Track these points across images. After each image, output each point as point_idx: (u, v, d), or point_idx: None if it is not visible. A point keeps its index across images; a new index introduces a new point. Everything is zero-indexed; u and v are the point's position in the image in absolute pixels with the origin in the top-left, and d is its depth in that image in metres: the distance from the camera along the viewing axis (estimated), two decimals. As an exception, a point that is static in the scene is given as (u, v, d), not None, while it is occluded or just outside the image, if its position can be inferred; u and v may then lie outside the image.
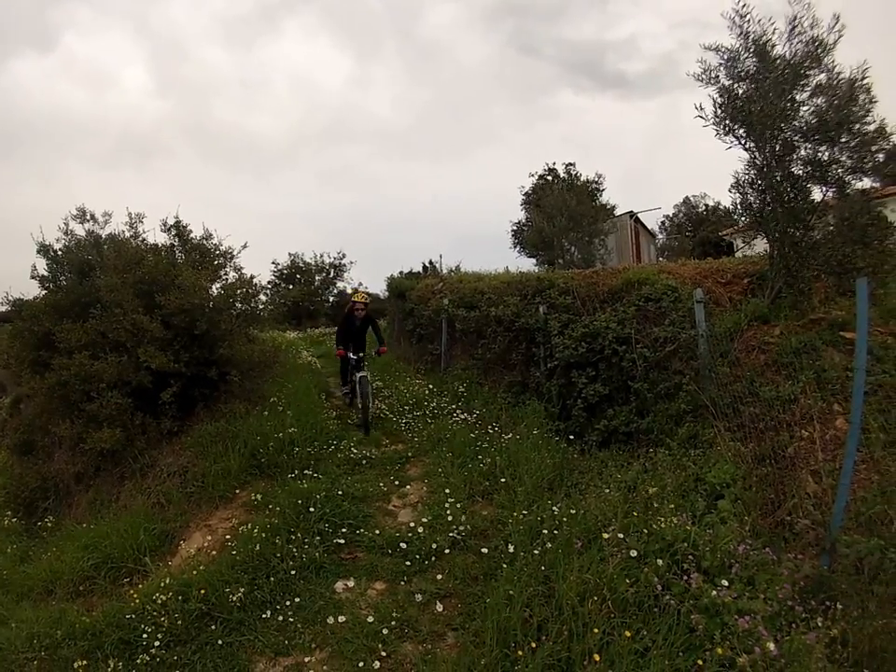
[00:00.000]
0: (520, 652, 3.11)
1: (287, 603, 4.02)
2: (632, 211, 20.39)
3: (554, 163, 25.01)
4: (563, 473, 5.34)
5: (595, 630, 3.11)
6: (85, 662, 3.63)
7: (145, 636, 3.78)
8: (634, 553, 3.66)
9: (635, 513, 4.15)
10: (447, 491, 5.16)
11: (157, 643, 3.71)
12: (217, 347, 6.77)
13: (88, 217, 8.13)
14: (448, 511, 4.78)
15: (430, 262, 24.13)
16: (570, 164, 24.77)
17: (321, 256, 26.06)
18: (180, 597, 4.04)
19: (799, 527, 3.92)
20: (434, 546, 4.41)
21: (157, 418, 6.57)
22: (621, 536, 3.85)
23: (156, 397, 6.50)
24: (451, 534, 4.52)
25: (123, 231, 8.17)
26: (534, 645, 3.15)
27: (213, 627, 3.88)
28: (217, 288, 7.52)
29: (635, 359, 6.16)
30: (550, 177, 24.45)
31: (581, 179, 23.65)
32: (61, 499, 7.09)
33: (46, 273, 7.91)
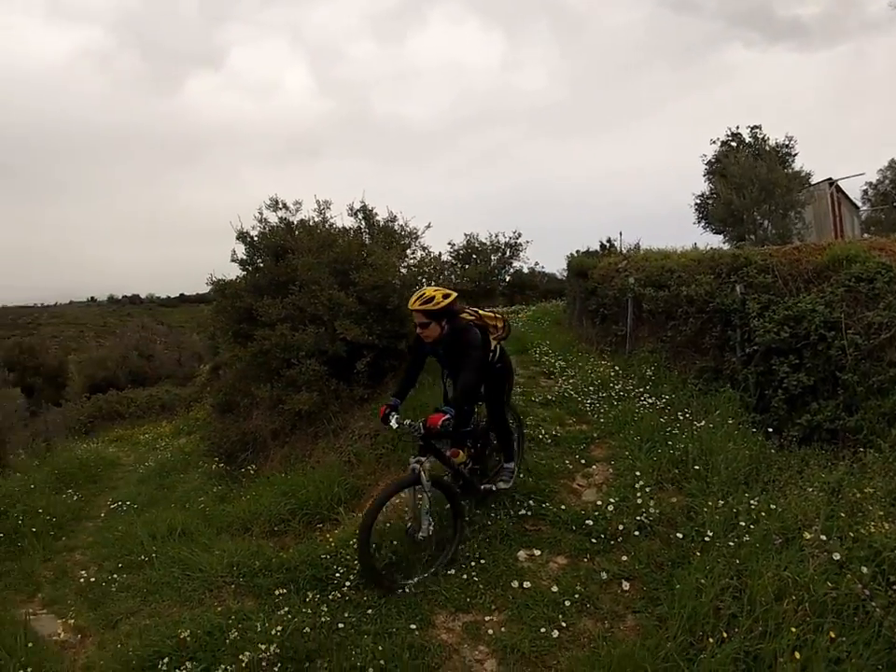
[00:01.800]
0: (710, 640, 3.14)
1: (472, 564, 4.31)
2: (831, 178, 18.50)
3: (738, 127, 22.96)
4: (759, 467, 5.14)
5: (793, 629, 3.08)
6: (284, 591, 4.18)
7: (337, 575, 4.27)
8: (836, 557, 3.53)
9: (842, 514, 3.98)
10: (637, 473, 5.17)
11: (347, 583, 4.17)
12: (407, 322, 7.36)
13: (280, 206, 9.20)
14: (638, 495, 4.81)
15: (608, 240, 23.76)
16: (756, 127, 22.62)
17: (496, 236, 26.37)
18: (373, 546, 4.41)
19: None
20: (620, 527, 4.48)
21: (349, 385, 7.38)
22: (823, 538, 3.71)
23: (350, 366, 7.29)
24: (638, 517, 4.56)
25: (312, 217, 9.19)
26: (725, 635, 3.17)
27: (400, 576, 4.26)
28: (404, 267, 8.12)
29: (844, 347, 5.77)
30: (734, 143, 22.53)
31: (770, 144, 21.73)
32: (258, 452, 8.06)
33: (244, 257, 9.14)
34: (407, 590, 4.13)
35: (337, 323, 7.23)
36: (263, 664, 3.36)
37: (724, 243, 17.35)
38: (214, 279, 9.05)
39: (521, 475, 5.38)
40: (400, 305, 7.42)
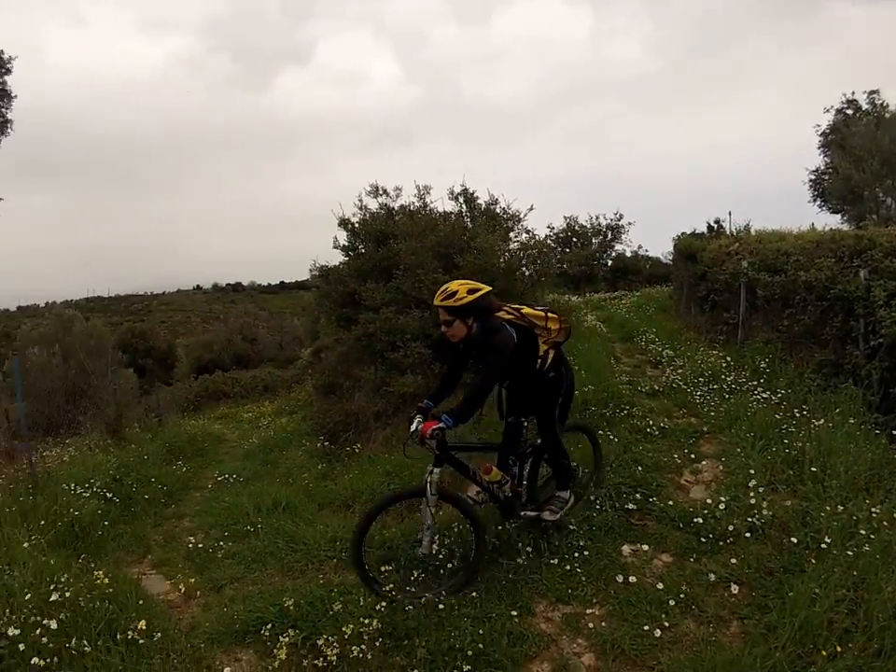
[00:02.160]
0: (822, 653, 3.03)
1: (576, 555, 4.28)
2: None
3: (853, 93, 21.04)
4: (882, 472, 4.85)
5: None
6: (389, 567, 4.25)
7: (440, 557, 4.29)
8: (968, 576, 3.32)
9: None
10: (751, 472, 4.99)
11: (449, 565, 4.20)
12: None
13: (380, 192, 9.51)
14: (750, 495, 4.63)
15: (716, 221, 22.77)
16: (873, 92, 20.59)
17: (597, 218, 25.90)
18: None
19: None
20: (730, 528, 4.34)
21: (453, 369, 7.47)
22: (951, 553, 3.50)
23: (453, 349, 7.39)
24: (749, 519, 4.39)
25: (413, 202, 9.48)
26: (838, 649, 3.04)
27: (504, 563, 4.28)
28: (508, 251, 8.15)
29: (980, 343, 5.31)
30: (850, 111, 20.74)
31: (891, 110, 19.60)
32: (359, 433, 8.30)
33: (346, 243, 9.54)
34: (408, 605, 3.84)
35: None
36: (365, 637, 3.48)
37: (843, 223, 16.40)
38: (317, 265, 9.47)
39: (632, 467, 5.34)
40: (506, 289, 7.48)
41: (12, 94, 16.19)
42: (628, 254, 27.12)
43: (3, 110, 16.14)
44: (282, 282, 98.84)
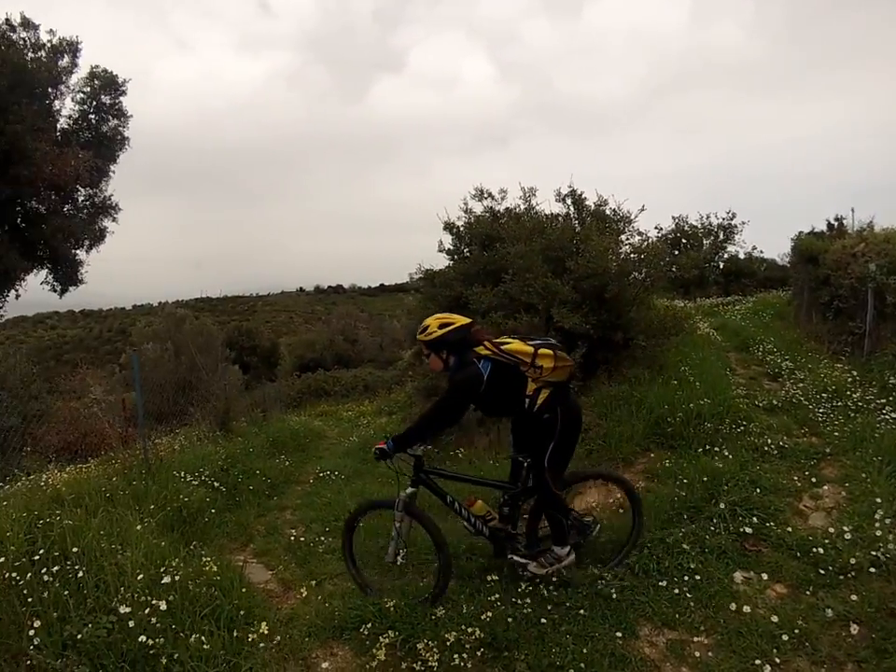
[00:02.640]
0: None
1: (685, 578, 4.15)
2: None
3: None
4: None
5: None
6: (496, 577, 4.27)
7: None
8: None
9: None
10: (877, 500, 4.65)
11: (555, 578, 4.16)
12: (624, 312, 7.27)
13: (485, 195, 9.61)
14: (876, 525, 4.33)
15: (837, 219, 21.39)
16: None
17: (707, 217, 24.70)
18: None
19: None
20: (852, 561, 4.07)
21: (561, 377, 7.42)
22: None
23: (563, 356, 7.36)
24: (874, 552, 4.10)
25: (518, 205, 9.59)
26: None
27: (608, 578, 4.21)
28: (619, 253, 7.99)
29: None
30: None
31: None
32: (462, 437, 8.38)
33: (451, 247, 9.76)
34: None
35: (554, 310, 7.35)
36: (466, 646, 3.51)
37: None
38: (422, 269, 9.62)
39: (748, 488, 5.07)
40: (618, 294, 7.42)
41: (128, 114, 18.27)
42: (741, 255, 25.80)
43: (120, 128, 18.17)
44: (382, 284, 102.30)
